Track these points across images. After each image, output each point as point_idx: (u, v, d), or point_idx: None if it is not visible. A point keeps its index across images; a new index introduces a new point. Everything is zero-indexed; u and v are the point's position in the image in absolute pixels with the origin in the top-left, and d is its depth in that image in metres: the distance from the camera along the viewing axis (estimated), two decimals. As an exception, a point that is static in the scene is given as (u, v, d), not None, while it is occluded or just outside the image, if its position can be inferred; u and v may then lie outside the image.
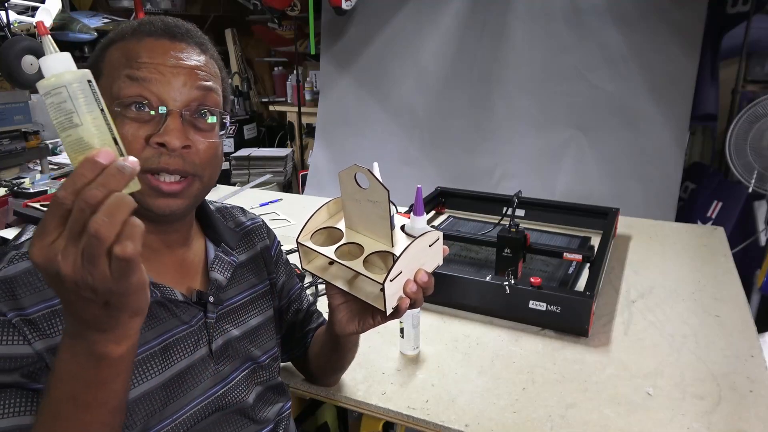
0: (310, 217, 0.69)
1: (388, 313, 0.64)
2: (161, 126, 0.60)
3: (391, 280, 0.61)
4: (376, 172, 0.61)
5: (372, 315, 0.70)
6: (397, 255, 0.62)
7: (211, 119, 0.65)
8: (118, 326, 0.44)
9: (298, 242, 0.69)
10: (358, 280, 0.69)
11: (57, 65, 0.44)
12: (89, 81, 0.44)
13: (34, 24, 2.39)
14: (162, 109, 0.60)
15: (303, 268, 0.72)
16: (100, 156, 0.40)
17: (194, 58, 0.64)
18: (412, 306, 0.66)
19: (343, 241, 0.68)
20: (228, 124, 0.69)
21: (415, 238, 0.64)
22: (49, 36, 0.45)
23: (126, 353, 0.46)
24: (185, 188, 0.63)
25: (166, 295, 0.67)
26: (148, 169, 0.60)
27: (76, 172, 0.40)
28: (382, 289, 0.62)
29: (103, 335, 0.44)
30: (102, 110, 0.44)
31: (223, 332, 0.73)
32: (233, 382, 0.73)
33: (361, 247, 0.66)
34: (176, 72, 0.61)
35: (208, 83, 0.64)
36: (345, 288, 0.68)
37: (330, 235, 0.70)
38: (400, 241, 0.65)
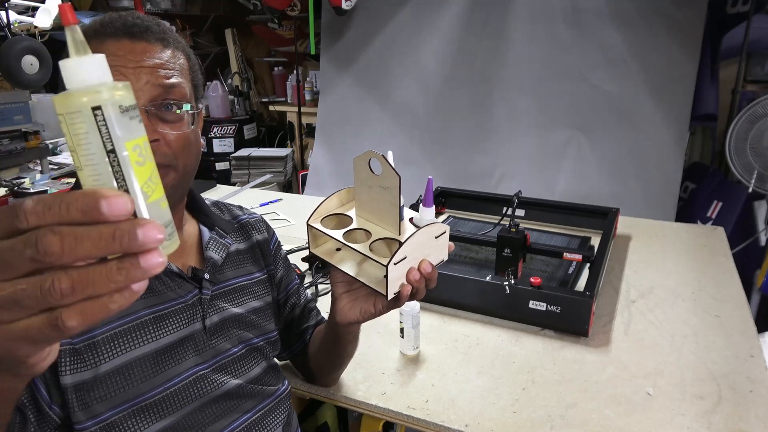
0: (322, 202, 0.71)
1: (389, 298, 0.65)
2: None
3: (395, 264, 0.62)
4: (390, 160, 0.63)
5: (374, 304, 0.71)
6: (403, 241, 0.63)
7: (179, 111, 0.66)
8: None
9: (308, 224, 0.70)
10: (363, 265, 0.70)
11: (86, 74, 0.32)
12: (97, 109, 0.31)
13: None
14: None
15: (310, 252, 0.73)
16: (115, 203, 0.28)
17: (156, 56, 0.65)
18: (413, 296, 0.66)
19: (352, 226, 0.69)
20: (196, 115, 0.69)
21: (422, 227, 0.65)
22: (78, 27, 0.32)
23: None
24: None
25: None
26: None
27: (70, 200, 0.28)
28: (386, 274, 0.62)
29: None
30: (110, 152, 0.31)
31: (219, 310, 0.74)
32: (227, 359, 0.74)
33: (369, 234, 0.67)
34: (138, 72, 0.63)
35: (170, 80, 0.65)
36: (351, 272, 0.69)
37: (340, 221, 0.71)
38: (408, 230, 0.66)
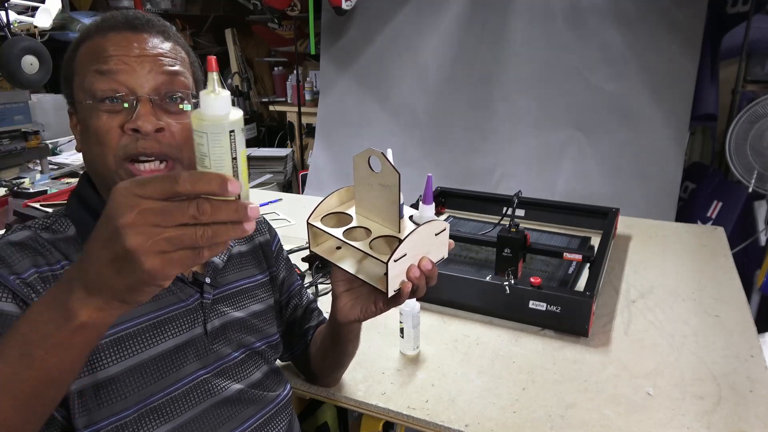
0: (322, 201, 0.71)
1: (389, 295, 0.65)
2: (133, 113, 0.63)
3: (395, 261, 0.62)
4: (390, 158, 0.63)
5: (374, 302, 0.71)
6: (403, 238, 0.63)
7: (182, 102, 0.66)
8: (105, 296, 0.44)
9: (308, 223, 0.70)
10: (363, 263, 0.70)
11: (219, 105, 0.44)
12: (232, 132, 0.45)
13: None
14: (132, 98, 0.63)
15: (311, 250, 0.72)
16: (235, 185, 0.43)
17: (158, 47, 0.66)
18: (413, 293, 0.66)
19: (352, 225, 0.69)
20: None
21: (422, 224, 0.65)
22: (217, 74, 0.45)
23: (89, 324, 0.45)
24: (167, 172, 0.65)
25: None
26: (126, 156, 0.63)
27: (207, 177, 0.42)
28: (386, 271, 0.62)
29: (86, 295, 0.44)
30: (234, 159, 0.46)
31: (220, 314, 0.74)
32: (229, 364, 0.74)
33: (369, 232, 0.67)
34: (141, 60, 0.64)
35: (173, 68, 0.66)
36: (351, 270, 0.69)
37: (340, 219, 0.71)
38: (408, 228, 0.66)
